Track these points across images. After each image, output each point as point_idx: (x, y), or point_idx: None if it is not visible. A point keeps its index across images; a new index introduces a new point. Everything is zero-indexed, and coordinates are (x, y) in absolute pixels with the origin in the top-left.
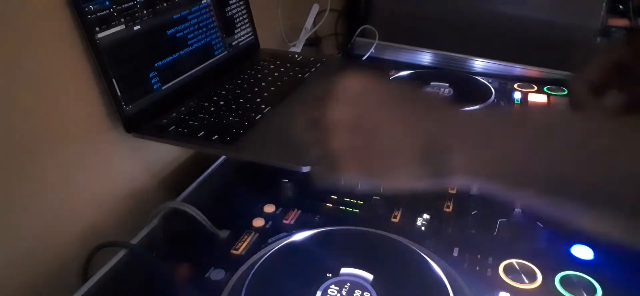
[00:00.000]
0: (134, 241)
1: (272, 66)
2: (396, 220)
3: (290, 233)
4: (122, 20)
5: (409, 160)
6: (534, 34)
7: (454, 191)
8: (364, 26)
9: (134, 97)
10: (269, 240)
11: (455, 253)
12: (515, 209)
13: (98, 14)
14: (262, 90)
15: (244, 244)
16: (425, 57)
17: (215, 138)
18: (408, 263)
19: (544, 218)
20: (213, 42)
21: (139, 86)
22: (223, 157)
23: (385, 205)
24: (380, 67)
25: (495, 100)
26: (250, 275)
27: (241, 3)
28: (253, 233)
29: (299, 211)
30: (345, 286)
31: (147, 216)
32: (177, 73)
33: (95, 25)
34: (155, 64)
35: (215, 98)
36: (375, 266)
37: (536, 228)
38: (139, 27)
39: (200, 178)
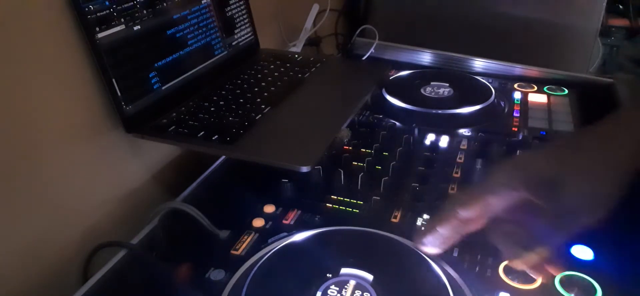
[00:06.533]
0: (134, 241)
1: (272, 66)
2: (396, 220)
3: (291, 233)
4: (122, 20)
5: None
6: (534, 34)
7: (453, 191)
8: (364, 26)
9: (134, 97)
10: (269, 240)
11: (455, 253)
12: None
13: (98, 14)
14: (262, 90)
15: (244, 245)
16: (425, 57)
17: (215, 138)
18: (408, 264)
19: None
20: (213, 42)
21: (138, 86)
22: (223, 157)
23: (385, 205)
24: (380, 66)
25: (495, 100)
26: (250, 276)
27: (241, 3)
28: (253, 233)
29: (299, 211)
30: (346, 286)
31: (147, 216)
32: (177, 73)
33: (95, 25)
34: (155, 64)
35: (215, 98)
36: (375, 267)
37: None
38: (139, 27)
39: (200, 178)
